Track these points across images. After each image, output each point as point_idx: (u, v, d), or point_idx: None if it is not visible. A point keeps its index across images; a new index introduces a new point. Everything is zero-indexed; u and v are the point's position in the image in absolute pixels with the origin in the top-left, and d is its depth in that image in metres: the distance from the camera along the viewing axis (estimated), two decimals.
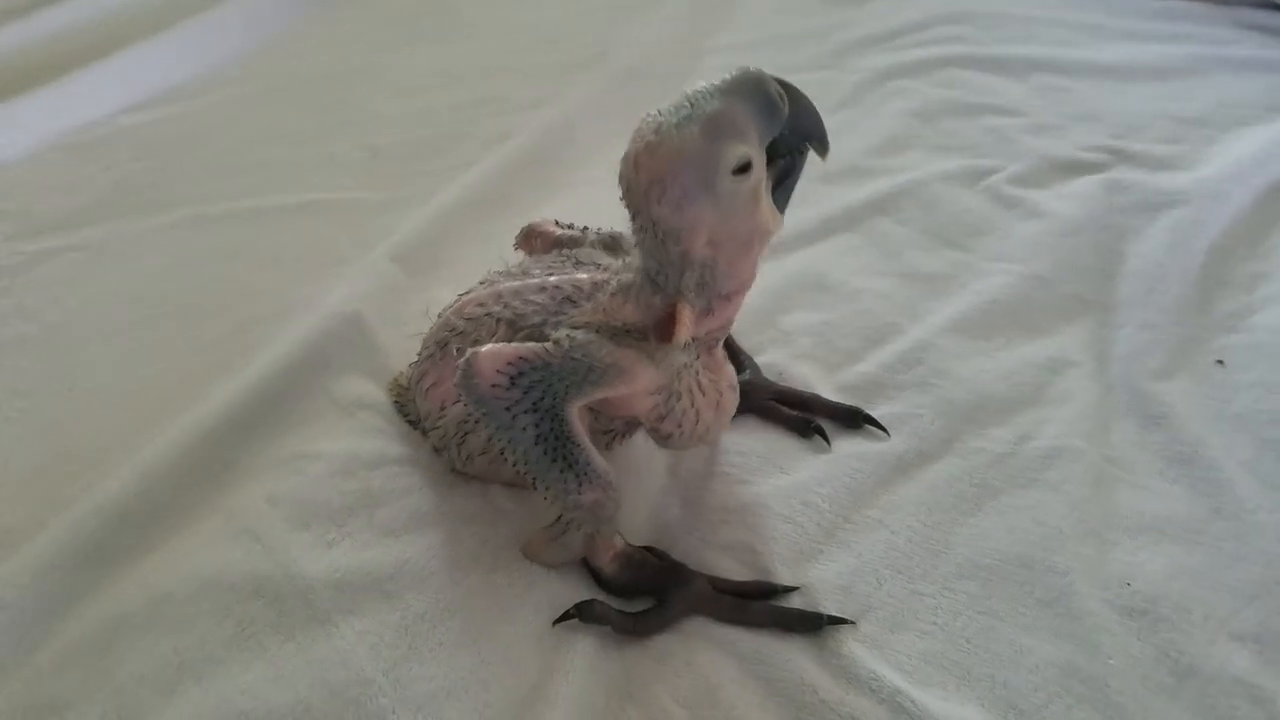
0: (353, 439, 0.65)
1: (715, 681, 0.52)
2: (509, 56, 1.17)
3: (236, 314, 0.76)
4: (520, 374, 0.51)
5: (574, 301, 0.56)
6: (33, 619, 0.53)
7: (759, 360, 0.73)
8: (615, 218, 0.85)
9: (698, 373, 0.56)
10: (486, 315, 0.58)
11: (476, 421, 0.52)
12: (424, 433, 0.64)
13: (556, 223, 0.67)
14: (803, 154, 0.53)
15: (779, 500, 0.62)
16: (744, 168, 0.48)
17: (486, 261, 0.81)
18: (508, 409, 0.51)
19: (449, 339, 0.59)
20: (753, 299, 0.77)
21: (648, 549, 0.59)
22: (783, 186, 0.53)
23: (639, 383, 0.53)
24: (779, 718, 0.50)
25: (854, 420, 0.67)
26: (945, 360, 0.73)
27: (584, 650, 0.54)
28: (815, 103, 0.51)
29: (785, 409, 0.68)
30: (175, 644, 0.52)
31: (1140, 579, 0.58)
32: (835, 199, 0.92)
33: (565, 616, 0.55)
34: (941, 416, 0.68)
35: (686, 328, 0.51)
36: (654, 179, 0.48)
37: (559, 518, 0.56)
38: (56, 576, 0.54)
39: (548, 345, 0.52)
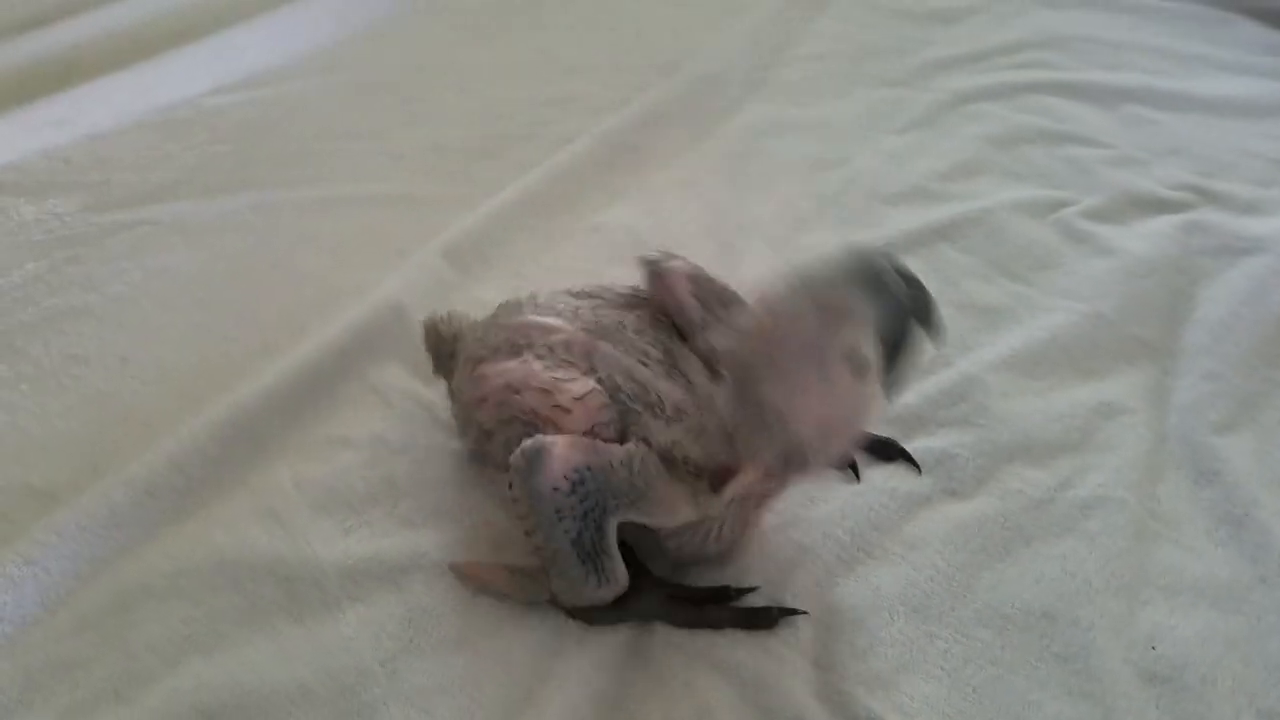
0: (384, 427, 0.66)
1: (710, 705, 0.52)
2: (585, 58, 1.18)
3: (290, 298, 0.78)
4: (582, 481, 0.51)
5: (654, 413, 0.53)
6: (58, 579, 0.55)
7: None
8: (678, 225, 0.85)
9: (732, 516, 0.55)
10: (570, 363, 0.55)
11: (514, 499, 0.52)
12: (450, 394, 0.63)
13: (690, 279, 0.60)
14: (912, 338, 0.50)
15: (802, 530, 0.61)
16: (854, 356, 0.47)
17: (536, 261, 0.82)
18: (557, 510, 0.51)
19: (525, 348, 0.57)
20: None
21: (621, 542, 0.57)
22: (895, 365, 0.50)
23: (675, 519, 0.53)
24: None
25: (887, 452, 0.66)
26: (991, 397, 0.70)
27: (582, 660, 0.54)
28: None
29: None
30: (187, 616, 0.54)
31: (1168, 642, 0.55)
32: (896, 221, 0.90)
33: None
34: (981, 456, 0.66)
35: (741, 487, 0.51)
36: (767, 359, 0.48)
37: (536, 575, 0.55)
38: (85, 540, 0.57)
39: (618, 458, 0.51)
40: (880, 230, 0.89)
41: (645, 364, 0.55)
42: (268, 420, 0.65)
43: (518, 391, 0.54)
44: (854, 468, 0.65)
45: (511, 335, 0.58)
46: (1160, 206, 0.91)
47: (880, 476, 0.65)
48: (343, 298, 0.76)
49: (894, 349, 0.49)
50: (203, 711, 0.49)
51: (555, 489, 0.50)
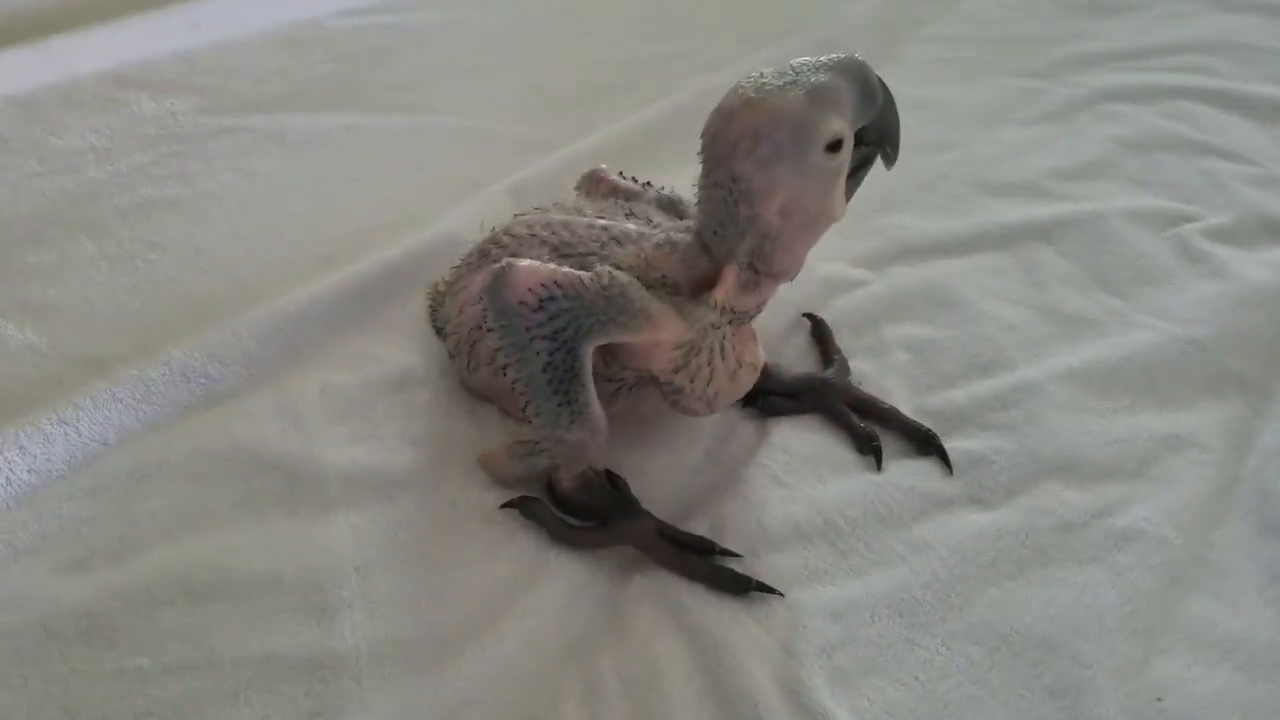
0: (415, 353, 0.67)
1: (664, 666, 0.51)
2: (704, 15, 1.16)
3: (362, 216, 0.80)
4: (551, 298, 0.51)
5: (620, 243, 0.56)
6: (87, 440, 0.59)
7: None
8: None
9: (724, 337, 0.54)
10: (533, 236, 0.59)
11: (488, 330, 0.53)
12: (443, 338, 0.65)
13: (621, 174, 0.67)
14: (877, 151, 0.53)
15: (802, 509, 0.59)
16: (836, 144, 0.49)
17: None
18: (526, 329, 0.51)
19: (491, 250, 0.61)
20: (861, 303, 0.75)
21: (610, 475, 0.58)
22: (855, 177, 0.53)
23: (664, 333, 0.52)
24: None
25: (926, 444, 0.63)
26: (1047, 408, 0.66)
27: (553, 597, 0.54)
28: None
29: (854, 417, 0.64)
30: (192, 495, 0.57)
31: (1177, 697, 0.50)
32: (994, 213, 0.85)
33: (508, 504, 0.57)
34: (1018, 467, 0.62)
35: (726, 289, 0.52)
36: (747, 132, 0.48)
37: (534, 441, 0.56)
38: (116, 409, 0.60)
39: (586, 276, 0.52)
40: (972, 219, 0.84)
41: (604, 216, 0.59)
42: (309, 326, 0.67)
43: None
44: (877, 455, 0.62)
45: (482, 246, 0.62)
46: None
47: (903, 471, 0.62)
48: (409, 223, 0.78)
49: (865, 153, 0.52)
50: (183, 584, 0.52)
51: (522, 302, 0.51)
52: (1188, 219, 0.84)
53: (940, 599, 0.55)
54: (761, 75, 0.49)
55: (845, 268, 0.78)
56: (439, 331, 0.68)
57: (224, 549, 0.54)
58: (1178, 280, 0.78)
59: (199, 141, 0.87)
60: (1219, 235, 0.82)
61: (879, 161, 0.54)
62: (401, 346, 0.68)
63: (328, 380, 0.64)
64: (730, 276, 0.52)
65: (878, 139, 0.52)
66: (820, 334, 0.71)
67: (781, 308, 0.74)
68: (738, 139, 0.48)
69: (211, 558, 0.53)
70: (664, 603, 0.54)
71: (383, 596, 0.53)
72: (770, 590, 0.54)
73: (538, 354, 0.51)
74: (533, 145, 0.88)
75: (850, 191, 0.53)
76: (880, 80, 0.50)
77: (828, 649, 0.52)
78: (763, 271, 0.52)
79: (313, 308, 0.68)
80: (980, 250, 0.81)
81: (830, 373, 0.67)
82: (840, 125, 0.48)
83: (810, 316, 0.72)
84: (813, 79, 0.48)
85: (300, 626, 0.51)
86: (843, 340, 0.71)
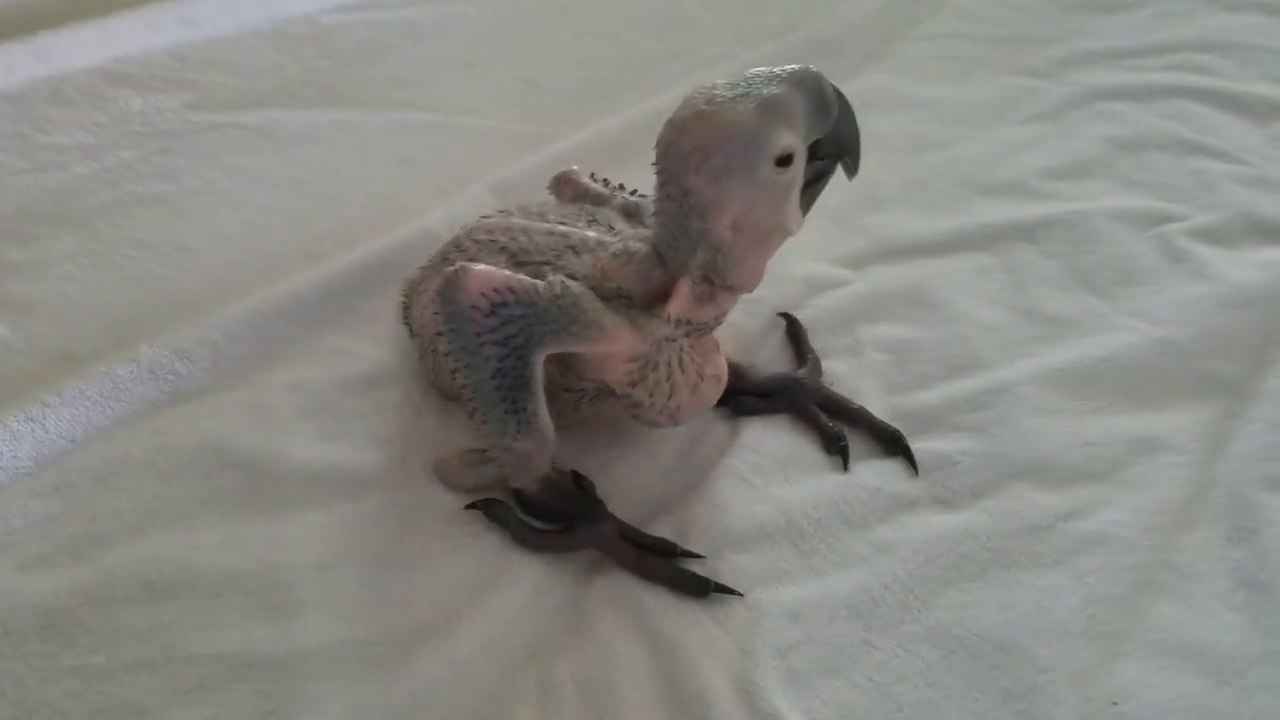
0: (390, 350, 0.68)
1: (621, 668, 0.51)
2: (702, 11, 1.15)
3: (347, 213, 0.81)
4: (503, 304, 0.51)
5: (577, 253, 0.56)
6: (54, 437, 0.59)
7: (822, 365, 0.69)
8: None
9: (682, 350, 0.54)
10: (492, 242, 0.59)
11: (439, 334, 0.53)
12: (412, 337, 0.66)
13: (592, 176, 0.66)
14: (835, 163, 0.53)
15: (767, 510, 0.59)
16: (786, 159, 0.48)
17: None
18: (478, 334, 0.51)
19: (452, 253, 0.61)
20: (840, 303, 0.75)
21: (577, 476, 0.58)
22: (810, 190, 0.52)
23: (617, 345, 0.52)
24: None
25: (893, 445, 0.63)
26: (1019, 410, 0.65)
27: (513, 602, 0.54)
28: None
29: (824, 416, 0.64)
30: (157, 492, 0.57)
31: (1135, 702, 0.50)
32: (980, 213, 0.84)
33: (472, 506, 0.57)
34: (985, 469, 0.62)
35: (680, 303, 0.51)
36: (698, 146, 0.48)
37: (483, 450, 0.56)
38: (84, 406, 0.61)
39: (540, 284, 0.52)
40: (959, 219, 0.83)
41: (565, 223, 0.58)
42: (282, 323, 0.68)
43: None
44: (844, 455, 0.62)
45: (445, 251, 0.62)
46: None
47: (870, 471, 0.62)
48: (393, 220, 0.78)
49: (821, 166, 0.51)
50: (144, 581, 0.53)
51: (475, 307, 0.51)
52: (1174, 219, 0.83)
53: (900, 600, 0.54)
54: (714, 86, 0.49)
55: (827, 267, 0.78)
56: (410, 329, 0.68)
57: (187, 546, 0.54)
58: (1160, 281, 0.77)
59: (187, 138, 0.87)
60: (1204, 235, 0.82)
61: (840, 173, 0.54)
62: (376, 344, 0.68)
63: (298, 377, 0.65)
64: (684, 290, 0.51)
65: (835, 151, 0.52)
66: (795, 333, 0.71)
67: (759, 307, 0.74)
68: (689, 152, 0.48)
69: (174, 555, 0.54)
70: (625, 605, 0.54)
71: (342, 596, 0.53)
72: (729, 591, 0.54)
73: (487, 360, 0.51)
74: (525, 142, 0.88)
75: (807, 204, 0.52)
76: (837, 91, 0.50)
77: (784, 650, 0.52)
78: (718, 284, 0.52)
79: (286, 304, 0.68)
80: (964, 250, 0.81)
81: (802, 373, 0.67)
82: (791, 139, 0.48)
83: (785, 316, 0.72)
84: (764, 91, 0.47)
85: (258, 625, 0.51)
86: (820, 340, 0.71)
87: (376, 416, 0.63)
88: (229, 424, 0.61)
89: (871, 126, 0.96)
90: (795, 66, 0.49)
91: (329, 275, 0.71)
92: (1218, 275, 0.77)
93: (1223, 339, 0.71)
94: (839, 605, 0.54)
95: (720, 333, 0.57)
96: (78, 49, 0.96)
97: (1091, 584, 0.55)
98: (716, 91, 0.48)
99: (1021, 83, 1.04)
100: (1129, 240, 0.81)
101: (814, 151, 0.51)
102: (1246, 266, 0.78)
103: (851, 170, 0.53)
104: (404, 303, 0.70)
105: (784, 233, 0.51)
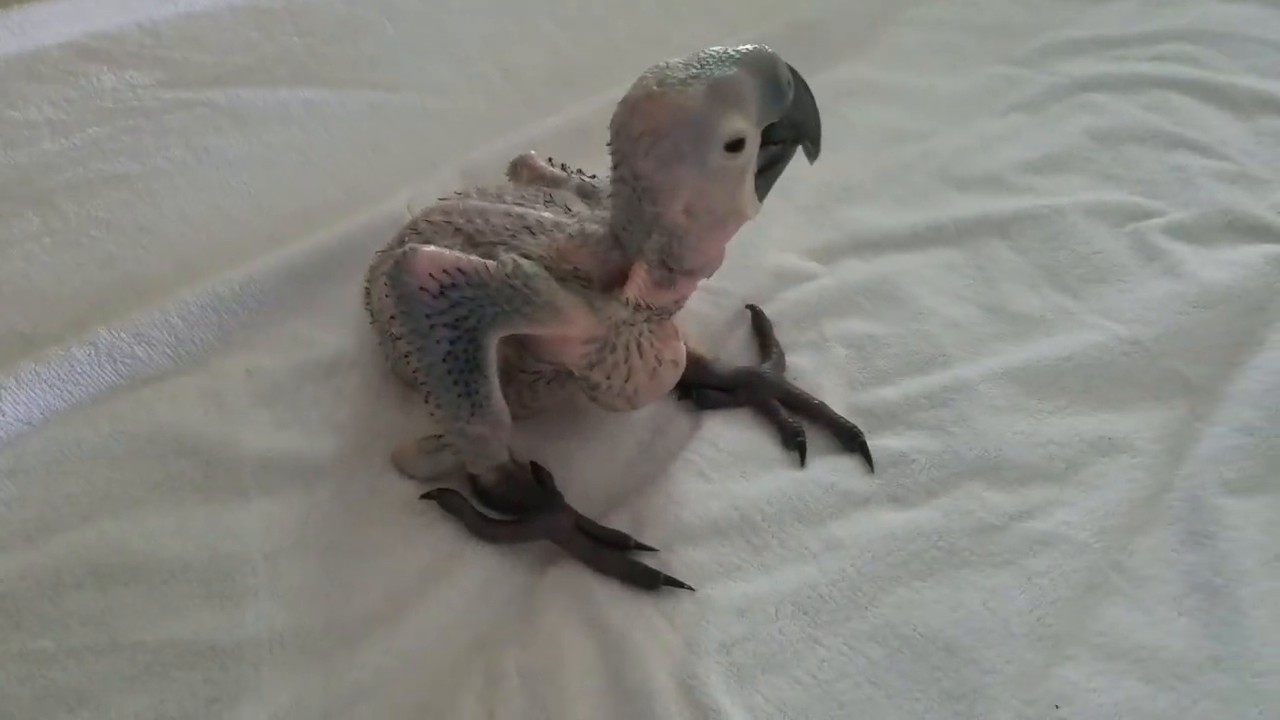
0: (349, 337, 0.68)
1: (566, 659, 0.51)
2: None
3: (312, 195, 0.80)
4: (453, 285, 0.51)
5: (533, 233, 0.55)
6: (11, 420, 0.59)
7: (785, 359, 0.69)
8: None
9: (641, 334, 0.54)
10: (448, 223, 0.58)
11: (391, 317, 0.53)
12: (372, 322, 0.65)
13: (550, 160, 0.66)
14: (793, 147, 0.51)
15: (721, 505, 0.59)
16: (736, 144, 0.47)
17: None
18: (428, 316, 0.51)
19: (408, 236, 0.60)
20: (807, 296, 0.75)
21: (535, 467, 0.59)
22: (767, 174, 0.51)
23: (572, 327, 0.52)
24: (604, 715, 0.49)
25: (851, 441, 0.63)
26: (977, 408, 0.65)
27: (464, 592, 0.54)
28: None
29: (784, 411, 0.64)
30: (109, 477, 0.57)
31: (1077, 705, 0.50)
32: (955, 207, 0.84)
33: (427, 495, 0.57)
34: (939, 467, 0.62)
35: (637, 287, 0.51)
36: (648, 129, 0.47)
37: (439, 435, 0.56)
38: (40, 389, 0.61)
39: (490, 264, 0.52)
40: (931, 213, 0.83)
41: (521, 204, 0.57)
42: (240, 308, 0.67)
43: None
44: (801, 450, 0.62)
45: (402, 234, 0.61)
46: (1259, 234, 0.80)
47: (826, 467, 0.62)
48: (361, 202, 0.78)
49: (776, 151, 0.50)
50: (92, 567, 0.53)
51: (423, 289, 0.50)
52: (1150, 215, 0.83)
53: (847, 598, 0.55)
54: (668, 66, 0.48)
55: (796, 260, 0.78)
56: (372, 315, 0.68)
57: (136, 533, 0.55)
58: (1130, 279, 0.77)
59: (154, 116, 0.87)
60: (1179, 232, 0.81)
61: (802, 156, 0.52)
62: (337, 330, 0.68)
63: (257, 363, 0.65)
64: (640, 273, 0.51)
65: (793, 135, 0.51)
66: (760, 327, 0.71)
67: (726, 300, 0.73)
68: (638, 135, 0.47)
69: (123, 541, 0.54)
70: (576, 597, 0.54)
71: (290, 585, 0.53)
72: (679, 584, 0.54)
73: (438, 342, 0.51)
74: (496, 126, 0.88)
75: (764, 188, 0.51)
76: (794, 74, 0.49)
77: (728, 645, 0.52)
78: (675, 269, 0.51)
79: (246, 289, 0.68)
80: (935, 245, 0.80)
81: (766, 367, 0.66)
82: (742, 124, 0.47)
83: (752, 308, 0.72)
84: (716, 73, 0.46)
85: (204, 613, 0.52)
86: (785, 334, 0.71)
87: (334, 404, 0.63)
88: (185, 410, 0.61)
89: (849, 118, 0.97)
90: (750, 47, 0.47)
91: (291, 259, 0.71)
92: (1190, 274, 0.76)
93: (1191, 339, 0.71)
94: (786, 601, 0.54)
95: (687, 325, 0.57)
96: (52, 23, 0.95)
97: (1041, 585, 0.56)
98: (669, 71, 0.47)
99: (1005, 72, 1.03)
100: (1102, 237, 0.81)
101: (769, 135, 0.49)
102: (1220, 265, 0.77)
103: (812, 154, 0.52)
104: (366, 288, 0.70)
105: (740, 217, 0.51)
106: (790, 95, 0.48)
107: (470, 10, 1.10)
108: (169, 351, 0.65)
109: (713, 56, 0.47)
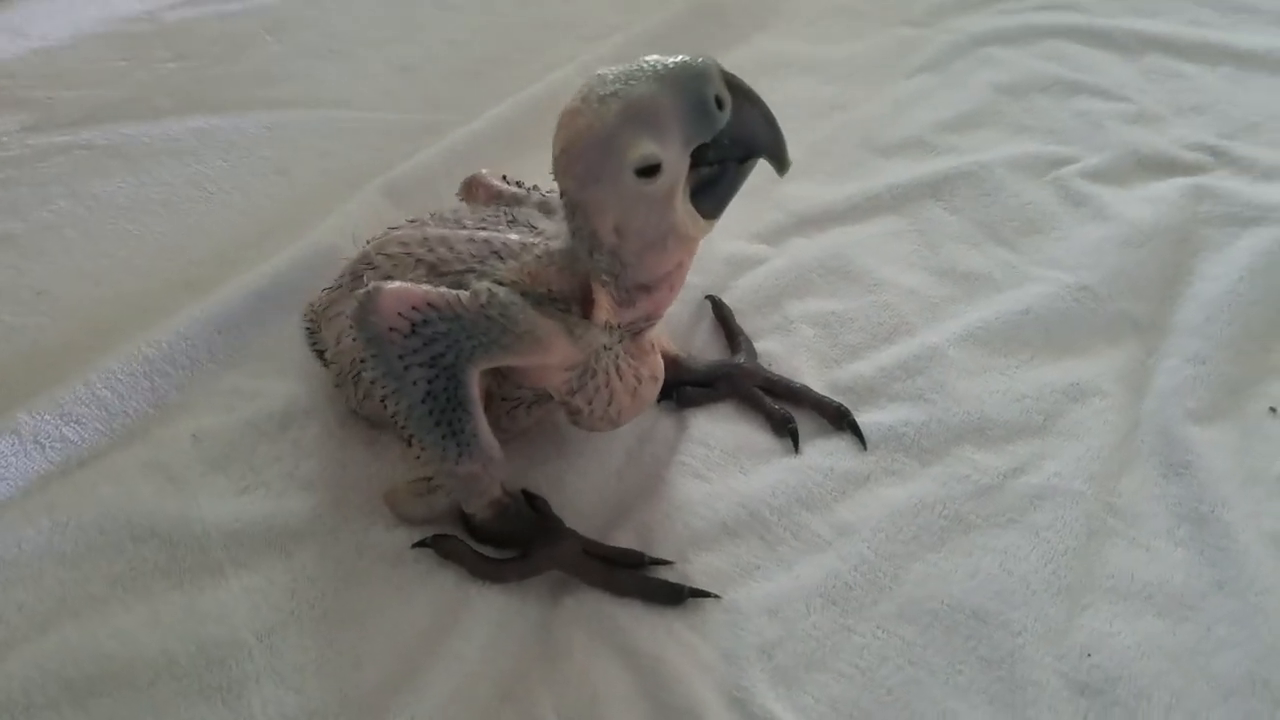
0: (298, 382, 0.63)
1: (602, 693, 0.49)
2: None
3: (222, 232, 0.74)
4: (425, 321, 0.47)
5: (501, 258, 0.52)
6: None
7: (755, 346, 0.67)
8: None
9: (618, 356, 0.52)
10: (408, 255, 0.55)
11: (361, 360, 0.49)
12: (325, 363, 0.61)
13: (504, 178, 0.63)
14: (742, 165, 0.48)
15: (727, 505, 0.57)
16: (649, 169, 0.44)
17: None
18: (401, 357, 0.48)
19: (364, 272, 0.56)
20: (764, 279, 0.74)
21: (528, 495, 0.56)
22: (709, 193, 0.47)
23: (553, 356, 0.49)
24: None
25: (840, 420, 0.62)
26: (950, 373, 0.65)
27: (476, 641, 0.51)
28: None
29: (769, 399, 0.63)
30: (62, 577, 0.52)
31: (1105, 651, 0.51)
32: (886, 174, 0.84)
33: (420, 544, 0.54)
34: (928, 436, 0.62)
35: (603, 310, 0.49)
36: (565, 147, 0.45)
37: (428, 477, 0.53)
38: None
39: (463, 295, 0.48)
40: (866, 183, 0.83)
41: (485, 227, 0.54)
42: (171, 368, 0.62)
43: None
44: (794, 437, 0.61)
45: (354, 266, 0.58)
46: (1170, 168, 0.84)
47: (820, 450, 0.61)
48: (278, 234, 0.73)
49: (711, 172, 0.46)
50: (64, 681, 0.47)
51: (393, 329, 0.47)
52: (1067, 161, 0.85)
53: (870, 581, 0.54)
54: (606, 74, 0.44)
55: (745, 244, 0.77)
56: (320, 356, 0.63)
57: (106, 634, 0.49)
58: (1063, 226, 0.78)
59: (27, 165, 0.78)
60: (1097, 175, 0.83)
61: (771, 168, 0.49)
62: (280, 377, 0.63)
63: (200, 426, 0.59)
64: (602, 297, 0.49)
65: (740, 153, 0.47)
66: (722, 316, 0.69)
67: (686, 292, 0.71)
68: (559, 152, 0.45)
69: (93, 647, 0.48)
70: (597, 625, 0.52)
71: (291, 664, 0.49)
72: (705, 594, 0.52)
73: (415, 384, 0.48)
74: (407, 134, 0.83)
75: (713, 206, 0.47)
76: (737, 87, 0.45)
77: (767, 649, 0.51)
78: (630, 287, 0.49)
79: (174, 346, 0.62)
80: (875, 214, 0.80)
81: (740, 357, 0.65)
82: (652, 149, 0.43)
83: (711, 299, 0.70)
84: (636, 91, 0.43)
85: (203, 710, 0.47)
86: (749, 320, 0.70)
87: (295, 458, 0.58)
88: (132, 489, 0.55)
89: (768, 92, 0.95)
90: (680, 60, 0.44)
91: (216, 307, 0.65)
92: (1116, 215, 0.78)
93: (1130, 279, 0.73)
94: (814, 595, 0.53)
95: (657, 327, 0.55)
96: None
97: (1048, 539, 0.56)
98: (597, 86, 0.44)
99: (904, 34, 1.04)
100: (1029, 188, 0.82)
101: (703, 155, 0.45)
102: (1141, 203, 0.80)
103: (779, 167, 0.48)
104: (309, 328, 0.65)
105: (681, 238, 0.47)
106: (724, 114, 0.44)
107: (352, 12, 1.05)
108: (101, 427, 0.58)
109: (641, 70, 0.44)
